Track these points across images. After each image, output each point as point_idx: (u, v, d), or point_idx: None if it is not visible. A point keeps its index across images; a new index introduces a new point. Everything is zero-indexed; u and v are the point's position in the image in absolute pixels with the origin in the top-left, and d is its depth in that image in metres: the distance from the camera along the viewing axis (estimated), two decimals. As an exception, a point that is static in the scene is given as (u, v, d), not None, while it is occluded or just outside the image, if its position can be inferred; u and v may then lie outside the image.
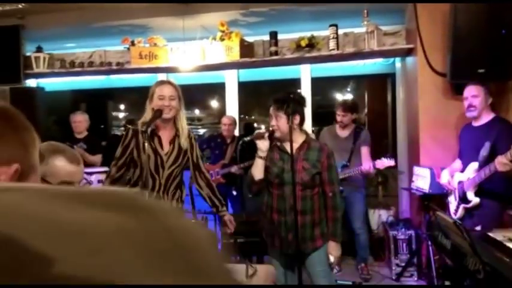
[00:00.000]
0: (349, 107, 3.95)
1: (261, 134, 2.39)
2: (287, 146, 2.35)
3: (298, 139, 2.38)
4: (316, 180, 2.33)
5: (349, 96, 6.23)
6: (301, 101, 2.40)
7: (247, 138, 2.51)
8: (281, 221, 2.34)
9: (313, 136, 3.77)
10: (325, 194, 2.36)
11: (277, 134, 2.37)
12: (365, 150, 3.86)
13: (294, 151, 2.34)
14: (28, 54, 4.93)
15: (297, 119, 2.34)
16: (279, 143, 2.43)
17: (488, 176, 2.60)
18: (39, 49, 4.89)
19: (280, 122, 2.32)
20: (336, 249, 2.35)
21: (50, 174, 1.49)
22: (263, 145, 2.36)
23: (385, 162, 3.67)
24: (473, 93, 2.91)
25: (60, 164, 1.50)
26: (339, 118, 3.91)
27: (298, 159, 2.34)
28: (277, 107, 2.33)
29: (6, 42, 4.46)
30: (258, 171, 2.37)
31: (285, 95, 2.36)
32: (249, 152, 4.42)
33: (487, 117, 2.92)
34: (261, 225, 2.54)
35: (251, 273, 1.64)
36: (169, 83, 2.48)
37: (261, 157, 2.36)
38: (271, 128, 2.37)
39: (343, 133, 3.96)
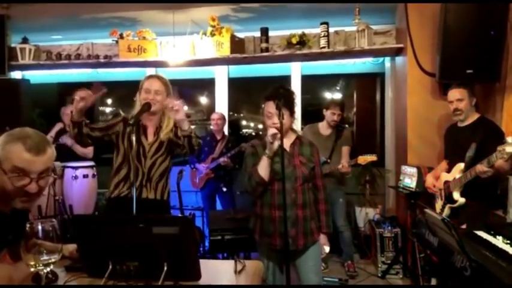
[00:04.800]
0: (343, 106, 4.05)
1: (275, 135, 2.21)
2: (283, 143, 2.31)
3: (291, 135, 2.38)
4: (311, 174, 2.35)
5: (338, 95, 6.24)
6: (293, 95, 2.37)
7: (270, 140, 2.35)
8: (281, 216, 2.23)
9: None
10: (317, 187, 2.40)
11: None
12: (345, 150, 3.95)
13: (289, 147, 2.33)
14: (13, 45, 4.82)
15: (294, 115, 2.34)
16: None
17: (470, 179, 2.65)
18: (24, 40, 4.78)
19: (285, 119, 2.23)
20: (327, 240, 2.40)
21: (4, 159, 1.43)
22: (275, 145, 2.24)
23: (367, 158, 3.75)
24: (458, 97, 2.94)
25: (15, 149, 1.43)
26: (334, 117, 3.92)
27: (294, 155, 2.33)
28: (282, 104, 2.22)
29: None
30: (266, 170, 2.25)
31: (276, 90, 2.30)
32: (236, 143, 4.47)
33: (472, 117, 2.95)
34: (253, 225, 2.44)
35: (240, 268, 1.63)
36: (158, 78, 2.50)
37: (269, 156, 2.25)
38: (273, 126, 2.22)
39: (326, 131, 4.00)
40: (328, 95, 6.38)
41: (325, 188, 2.43)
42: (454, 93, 2.96)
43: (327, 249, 2.41)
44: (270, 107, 2.25)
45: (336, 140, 3.93)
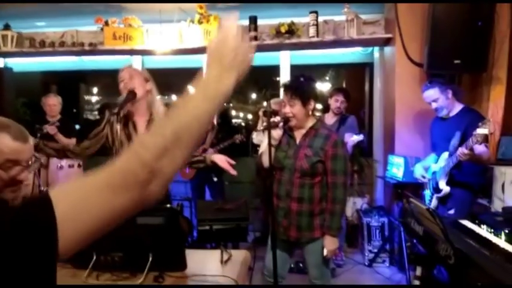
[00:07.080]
0: (347, 93, 4.03)
1: (276, 123, 2.26)
2: (296, 132, 2.30)
3: (307, 125, 2.30)
4: (317, 169, 2.23)
5: (327, 85, 6.24)
6: (313, 84, 2.33)
7: (261, 128, 2.41)
8: (278, 206, 2.30)
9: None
10: (327, 184, 2.26)
11: (292, 123, 2.27)
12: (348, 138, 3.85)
13: (300, 137, 2.29)
14: (-6, 32, 4.69)
15: (312, 104, 2.27)
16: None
17: (454, 164, 2.67)
18: (6, 27, 4.65)
19: (295, 109, 2.23)
20: (330, 243, 2.24)
21: None
22: (276, 134, 2.26)
23: (354, 138, 3.74)
24: (432, 98, 2.96)
25: (4, 140, 1.40)
26: (337, 104, 3.93)
27: (302, 146, 2.27)
28: (290, 94, 2.22)
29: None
30: (267, 158, 2.24)
31: (295, 79, 2.30)
32: (227, 134, 4.44)
33: (455, 108, 2.96)
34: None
35: (226, 258, 1.62)
36: (128, 66, 2.50)
37: (272, 145, 2.25)
38: (285, 116, 2.26)
39: (330, 121, 3.98)
40: (318, 85, 6.37)
41: (336, 185, 2.23)
42: (428, 95, 2.99)
43: (325, 251, 2.25)
44: (283, 95, 2.28)
45: (338, 128, 3.89)
